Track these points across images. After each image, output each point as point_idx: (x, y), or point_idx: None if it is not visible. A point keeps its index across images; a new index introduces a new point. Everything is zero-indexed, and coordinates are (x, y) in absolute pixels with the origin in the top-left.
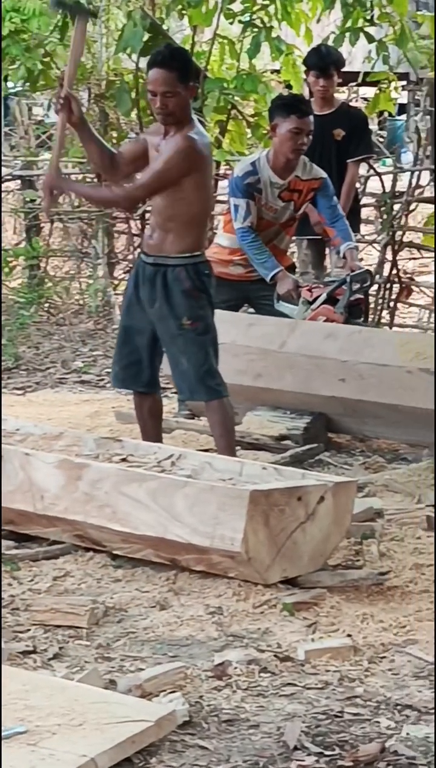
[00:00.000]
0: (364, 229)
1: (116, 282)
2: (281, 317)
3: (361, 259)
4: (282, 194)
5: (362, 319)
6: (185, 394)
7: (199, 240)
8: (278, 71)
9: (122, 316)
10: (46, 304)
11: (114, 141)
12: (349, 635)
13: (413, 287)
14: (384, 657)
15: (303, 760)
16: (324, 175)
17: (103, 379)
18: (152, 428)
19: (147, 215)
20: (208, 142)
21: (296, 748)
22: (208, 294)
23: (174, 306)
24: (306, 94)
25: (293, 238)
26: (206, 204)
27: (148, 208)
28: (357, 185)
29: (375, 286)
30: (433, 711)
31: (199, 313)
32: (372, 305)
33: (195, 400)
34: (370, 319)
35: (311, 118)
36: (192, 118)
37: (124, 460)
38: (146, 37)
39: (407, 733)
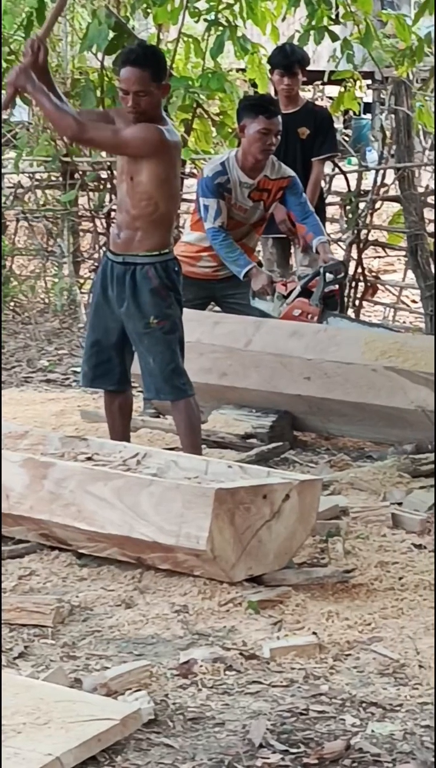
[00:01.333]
0: (329, 227)
1: (82, 281)
2: (256, 314)
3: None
4: (252, 194)
5: (337, 309)
6: (151, 393)
7: (167, 238)
8: (243, 70)
9: (90, 316)
10: (12, 303)
11: None
12: (314, 633)
13: (378, 286)
14: (349, 654)
15: (268, 758)
16: (293, 173)
17: (68, 378)
18: (121, 426)
19: (112, 213)
20: (178, 140)
21: (261, 746)
22: (176, 292)
23: (141, 305)
24: (272, 92)
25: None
26: (173, 202)
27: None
28: (322, 184)
29: None
30: (397, 709)
31: (167, 312)
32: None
33: (161, 399)
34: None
35: (280, 118)
36: (163, 116)
37: (89, 458)
38: (111, 35)
39: (372, 731)
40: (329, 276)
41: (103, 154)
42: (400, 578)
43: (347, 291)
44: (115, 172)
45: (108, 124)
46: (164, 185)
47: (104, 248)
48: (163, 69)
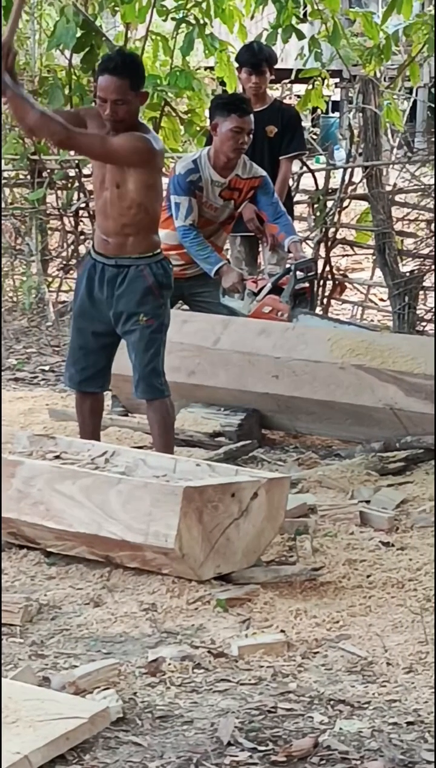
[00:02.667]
0: (297, 226)
1: (50, 279)
2: (224, 312)
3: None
4: (223, 193)
5: (308, 307)
6: (134, 390)
7: (158, 237)
8: (211, 68)
9: (75, 319)
10: None
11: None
12: (282, 631)
13: (346, 284)
14: (317, 652)
15: (237, 756)
16: (264, 173)
17: (37, 377)
18: (91, 426)
19: (81, 212)
20: (163, 147)
21: (229, 744)
22: (169, 292)
23: (133, 301)
24: (240, 91)
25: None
26: (159, 203)
27: (83, 205)
28: (290, 182)
29: None
30: (365, 706)
31: (157, 312)
32: None
33: (137, 397)
34: None
35: (252, 117)
36: (142, 123)
37: (57, 457)
38: (79, 33)
39: (340, 728)
40: (299, 273)
41: (72, 152)
42: (368, 576)
43: (315, 289)
44: (83, 171)
45: (80, 125)
46: (151, 191)
47: (72, 246)
48: (142, 77)
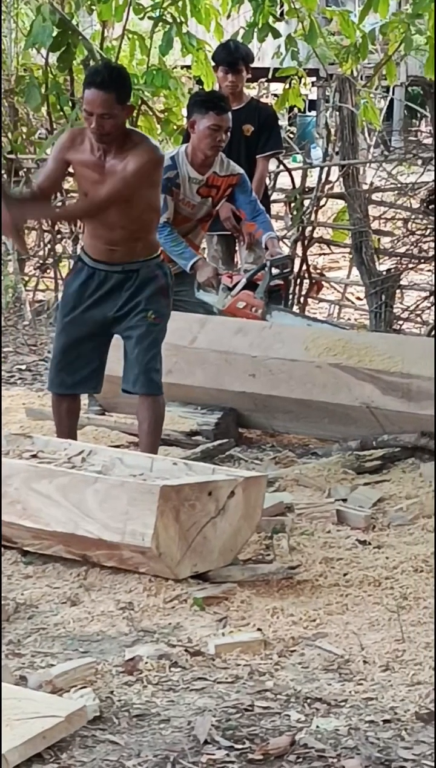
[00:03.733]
0: (274, 224)
1: (27, 278)
2: (200, 309)
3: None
4: (200, 190)
5: (282, 304)
6: (129, 384)
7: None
8: (188, 67)
9: (66, 327)
10: None
11: (23, 137)
12: (259, 629)
13: (323, 283)
14: (294, 650)
15: (213, 754)
16: (241, 171)
17: (13, 376)
18: (68, 427)
19: None
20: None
21: (206, 742)
22: (172, 293)
23: (145, 298)
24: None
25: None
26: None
27: (60, 206)
28: (267, 181)
29: None
30: (342, 704)
31: (164, 312)
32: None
33: (134, 391)
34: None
35: (229, 115)
36: (131, 130)
37: (34, 456)
38: (55, 32)
39: (317, 726)
40: (274, 270)
41: (48, 150)
42: (345, 574)
43: (292, 288)
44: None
45: (64, 171)
46: (156, 188)
47: (49, 245)
48: (129, 90)
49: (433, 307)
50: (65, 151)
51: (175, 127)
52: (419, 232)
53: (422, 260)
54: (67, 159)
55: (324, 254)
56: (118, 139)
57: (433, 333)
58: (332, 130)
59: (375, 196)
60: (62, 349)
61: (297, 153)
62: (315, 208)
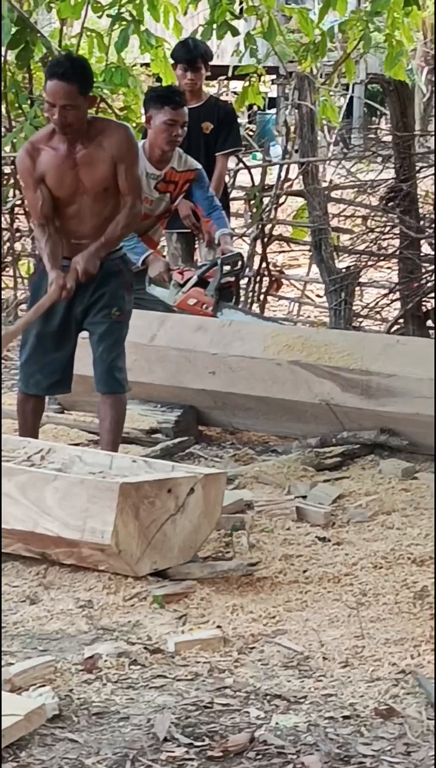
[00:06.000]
0: (234, 222)
1: None
2: (161, 303)
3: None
4: (158, 185)
5: (232, 301)
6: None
7: None
8: (147, 64)
9: (39, 328)
10: None
11: None
12: (219, 626)
13: (282, 280)
14: (254, 647)
15: (173, 752)
16: (199, 166)
17: None
18: (32, 425)
19: (17, 209)
20: None
21: (165, 740)
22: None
23: (109, 295)
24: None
25: (164, 231)
26: None
27: (19, 204)
28: (226, 179)
29: (245, 279)
30: (301, 701)
31: (128, 309)
32: (242, 298)
33: (98, 390)
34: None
35: (186, 109)
36: (90, 120)
37: None
38: (14, 29)
39: (276, 723)
40: (226, 267)
41: (7, 148)
42: (304, 571)
43: (251, 286)
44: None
45: (45, 188)
46: (136, 168)
47: (8, 243)
48: (90, 81)
49: (392, 304)
50: (32, 170)
51: (134, 125)
52: (378, 230)
53: (382, 257)
54: (40, 175)
55: (284, 252)
56: (82, 130)
57: (392, 330)
58: (292, 128)
59: (335, 194)
60: (36, 350)
61: (257, 151)
62: (275, 206)
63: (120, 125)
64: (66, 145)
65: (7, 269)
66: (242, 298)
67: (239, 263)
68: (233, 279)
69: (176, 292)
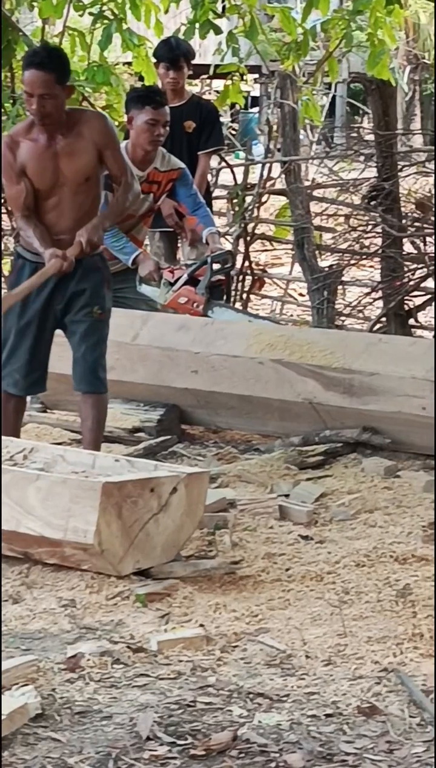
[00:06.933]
0: (216, 221)
1: None
2: (142, 306)
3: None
4: (141, 186)
5: (223, 299)
6: (73, 382)
7: None
8: (129, 63)
9: (21, 328)
10: None
11: None
12: (201, 625)
13: (265, 279)
14: (236, 646)
15: (156, 750)
16: (182, 165)
17: None
18: (14, 424)
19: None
20: None
21: (148, 738)
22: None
23: (90, 293)
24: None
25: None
26: None
27: None
28: (209, 177)
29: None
30: (284, 699)
31: (108, 306)
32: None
33: (79, 389)
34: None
35: (167, 109)
36: (68, 111)
37: None
38: None
39: (259, 721)
40: (215, 266)
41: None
42: (287, 569)
43: (234, 284)
44: None
45: (23, 182)
46: (120, 154)
47: None
48: (67, 71)
49: (375, 303)
50: (14, 163)
51: (117, 124)
52: (360, 228)
53: (364, 256)
54: (21, 167)
55: (266, 251)
56: (61, 121)
57: (374, 328)
58: (274, 127)
59: (317, 193)
60: (15, 348)
61: (239, 149)
62: (257, 205)
63: (98, 113)
64: (45, 136)
65: None
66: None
67: (229, 261)
68: (223, 277)
69: (167, 291)
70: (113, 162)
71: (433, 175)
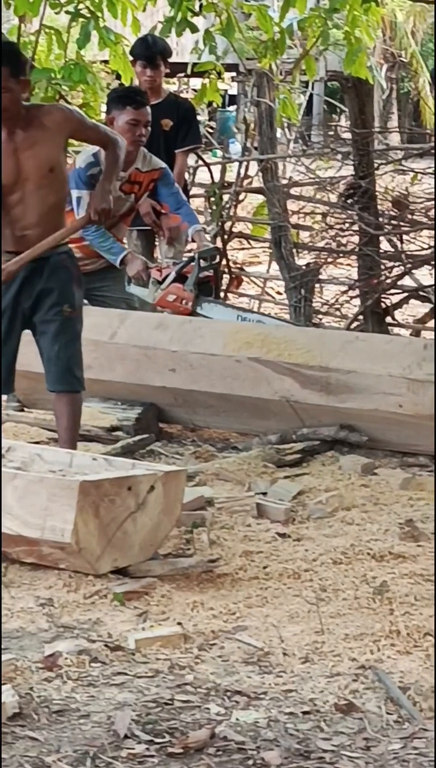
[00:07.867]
0: None
1: None
2: (123, 305)
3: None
4: (123, 186)
5: (212, 295)
6: (49, 382)
7: None
8: (106, 61)
9: None
10: None
11: None
12: (179, 623)
13: (243, 277)
14: (214, 644)
15: (133, 749)
16: (164, 165)
17: None
18: None
19: None
20: None
21: (126, 737)
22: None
23: (58, 291)
24: (136, 84)
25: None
26: None
27: None
28: (186, 176)
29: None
30: (261, 697)
31: (78, 304)
32: None
33: (55, 389)
34: None
35: (148, 109)
36: (26, 106)
37: None
38: None
39: (237, 719)
40: (203, 262)
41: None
42: (264, 567)
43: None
44: None
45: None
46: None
47: None
48: (22, 64)
49: (352, 301)
50: None
51: None
52: (337, 227)
53: (341, 254)
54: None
55: (244, 249)
56: (18, 115)
57: (351, 326)
58: (251, 125)
59: (294, 191)
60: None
61: (216, 148)
62: (234, 203)
63: (57, 105)
64: (4, 131)
65: None
66: None
67: (216, 257)
68: (211, 273)
69: (156, 289)
70: (92, 134)
71: (409, 173)
